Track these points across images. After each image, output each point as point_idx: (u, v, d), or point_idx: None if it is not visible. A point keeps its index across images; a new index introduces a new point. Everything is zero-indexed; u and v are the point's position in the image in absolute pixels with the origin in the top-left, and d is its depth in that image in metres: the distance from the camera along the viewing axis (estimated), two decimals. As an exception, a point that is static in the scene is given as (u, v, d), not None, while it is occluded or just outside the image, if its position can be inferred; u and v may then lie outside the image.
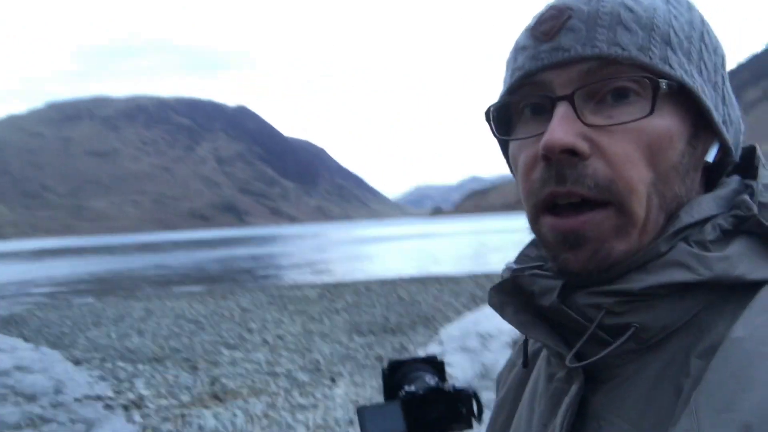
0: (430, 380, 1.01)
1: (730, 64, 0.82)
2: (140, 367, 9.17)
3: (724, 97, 0.65)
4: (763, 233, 0.59)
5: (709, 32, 0.66)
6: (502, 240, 50.84)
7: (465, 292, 16.15)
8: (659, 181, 0.60)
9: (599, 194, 0.59)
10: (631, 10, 0.60)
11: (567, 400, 0.64)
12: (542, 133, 0.60)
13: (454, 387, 0.97)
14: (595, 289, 0.61)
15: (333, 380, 7.90)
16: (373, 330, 11.22)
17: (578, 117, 0.60)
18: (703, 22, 0.66)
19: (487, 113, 0.67)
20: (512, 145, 0.68)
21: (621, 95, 0.60)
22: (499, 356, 9.13)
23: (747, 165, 0.68)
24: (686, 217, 0.61)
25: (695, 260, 0.58)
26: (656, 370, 0.59)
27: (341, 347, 9.84)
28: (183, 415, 6.74)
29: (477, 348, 9.92)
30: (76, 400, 7.73)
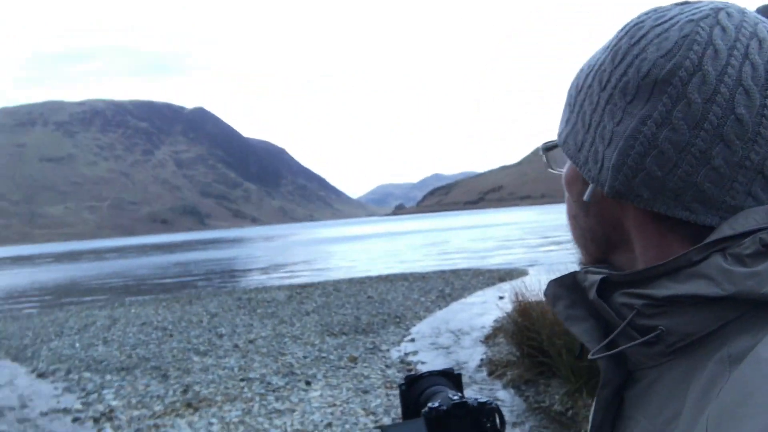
0: (453, 395, 0.98)
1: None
2: (108, 377, 8.96)
3: (597, 137, 0.66)
4: None
5: (604, 70, 0.66)
6: (465, 237, 51.24)
7: (434, 289, 16.22)
8: (577, 215, 0.74)
9: None
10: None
11: (601, 392, 0.69)
12: None
13: (477, 401, 0.94)
14: (629, 290, 0.64)
15: (308, 383, 7.83)
16: (344, 331, 11.17)
17: None
18: (604, 61, 0.67)
19: None
20: None
21: None
22: (473, 352, 9.18)
23: None
24: (727, 229, 0.60)
25: (721, 274, 0.58)
26: (679, 375, 0.61)
27: (314, 349, 9.77)
28: (157, 426, 6.60)
29: (450, 345, 9.96)
30: (43, 414, 7.52)
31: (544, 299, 0.80)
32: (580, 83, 0.70)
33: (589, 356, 0.68)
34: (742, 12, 0.63)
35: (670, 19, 0.63)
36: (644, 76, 0.62)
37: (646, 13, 0.67)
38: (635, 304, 0.63)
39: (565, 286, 0.73)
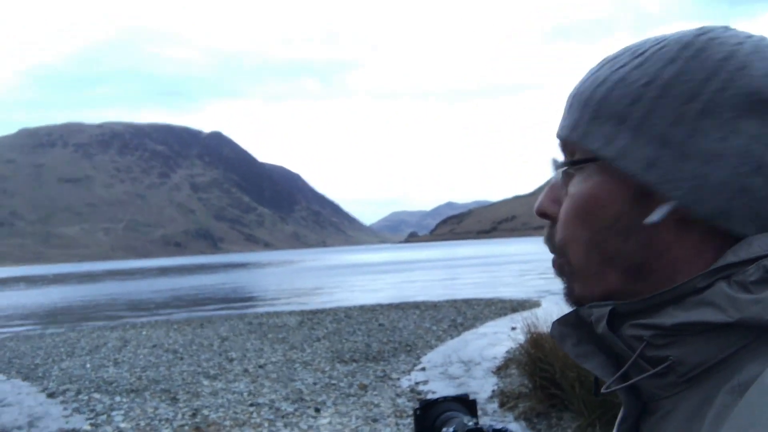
0: (468, 421, 0.98)
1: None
2: (117, 398, 8.95)
3: (682, 153, 0.62)
4: None
5: (685, 82, 0.63)
6: (477, 266, 51.02)
7: (445, 318, 16.12)
8: (597, 239, 0.67)
9: (556, 249, 0.73)
10: (579, 90, 0.70)
11: (620, 426, 0.69)
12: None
13: (492, 428, 0.94)
14: (636, 321, 0.64)
15: (317, 410, 7.77)
16: (355, 358, 11.11)
17: (564, 185, 0.71)
18: (680, 74, 0.63)
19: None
20: None
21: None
22: (484, 383, 9.08)
23: None
24: (731, 256, 0.60)
25: (727, 301, 0.58)
26: (693, 406, 0.61)
27: (324, 376, 9.71)
28: (164, 449, 6.57)
29: (461, 375, 9.86)
30: (52, 434, 7.50)
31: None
32: (635, 94, 0.65)
33: (602, 390, 0.68)
34: None
35: (748, 38, 0.64)
36: (753, 93, 0.61)
37: (709, 30, 0.66)
38: (644, 335, 0.63)
39: (569, 324, 0.71)
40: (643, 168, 0.64)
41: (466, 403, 1.07)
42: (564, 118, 0.71)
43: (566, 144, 0.71)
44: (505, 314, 16.55)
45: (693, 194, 0.62)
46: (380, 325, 15.15)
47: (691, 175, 0.62)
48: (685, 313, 0.60)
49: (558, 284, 0.74)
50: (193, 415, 7.78)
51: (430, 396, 8.11)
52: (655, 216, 0.63)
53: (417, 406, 1.07)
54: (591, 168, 0.67)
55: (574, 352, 0.70)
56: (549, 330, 0.74)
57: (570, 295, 0.73)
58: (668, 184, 0.62)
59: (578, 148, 0.69)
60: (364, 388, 8.84)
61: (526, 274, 36.18)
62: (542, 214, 0.73)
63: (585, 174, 0.68)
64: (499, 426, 0.94)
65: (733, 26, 0.67)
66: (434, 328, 14.53)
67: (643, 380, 0.64)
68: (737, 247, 0.61)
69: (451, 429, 0.95)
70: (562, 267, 0.72)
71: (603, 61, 0.71)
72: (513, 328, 12.13)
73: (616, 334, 0.65)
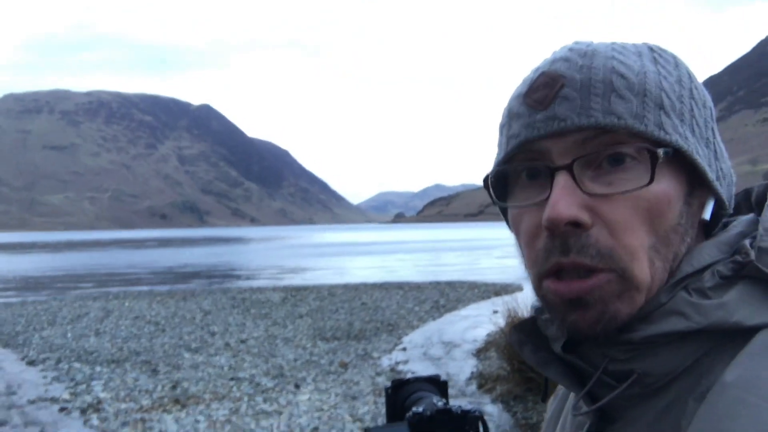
0: (438, 401, 0.99)
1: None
2: (98, 368, 8.96)
3: (716, 152, 0.66)
4: (762, 278, 0.59)
5: (697, 87, 0.67)
6: (463, 249, 51.23)
7: (428, 299, 16.20)
8: (660, 244, 0.61)
9: (601, 263, 0.60)
10: (622, 76, 0.62)
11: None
12: (544, 200, 0.61)
13: (461, 408, 0.95)
14: (600, 339, 0.63)
15: (297, 386, 7.82)
16: (337, 336, 11.16)
17: (578, 186, 0.60)
18: (690, 77, 0.66)
19: (486, 180, 0.68)
20: (512, 211, 0.68)
21: (617, 160, 0.61)
22: (463, 365, 9.17)
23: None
24: (686, 267, 0.62)
25: (691, 309, 0.59)
26: (658, 412, 0.61)
27: (305, 352, 9.76)
28: (143, 420, 6.59)
29: (441, 356, 9.94)
30: (30, 401, 7.51)
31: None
32: (677, 91, 0.64)
33: (574, 414, 0.69)
34: None
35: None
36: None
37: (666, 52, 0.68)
38: (608, 351, 0.62)
39: (526, 331, 0.71)
40: (708, 165, 0.65)
41: (437, 384, 1.09)
42: (609, 104, 0.61)
43: (614, 133, 0.61)
44: (488, 297, 16.66)
45: (726, 190, 0.67)
46: (363, 304, 15.22)
47: (722, 174, 0.67)
48: (652, 326, 0.60)
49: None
50: (173, 387, 7.81)
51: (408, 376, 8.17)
52: (707, 213, 0.65)
53: (388, 385, 1.08)
54: (661, 164, 0.61)
55: (534, 360, 0.70)
56: (508, 339, 0.73)
57: (610, 320, 0.61)
58: (718, 182, 0.65)
59: (648, 138, 0.61)
60: (344, 365, 8.90)
61: (510, 258, 36.40)
62: (573, 222, 0.60)
63: (638, 171, 0.60)
64: (468, 407, 0.96)
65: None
66: (417, 308, 14.61)
67: (610, 392, 0.63)
68: (690, 257, 0.62)
69: (421, 408, 0.96)
70: (602, 285, 0.60)
71: (601, 47, 0.65)
72: (494, 312, 12.23)
73: (575, 350, 0.65)
